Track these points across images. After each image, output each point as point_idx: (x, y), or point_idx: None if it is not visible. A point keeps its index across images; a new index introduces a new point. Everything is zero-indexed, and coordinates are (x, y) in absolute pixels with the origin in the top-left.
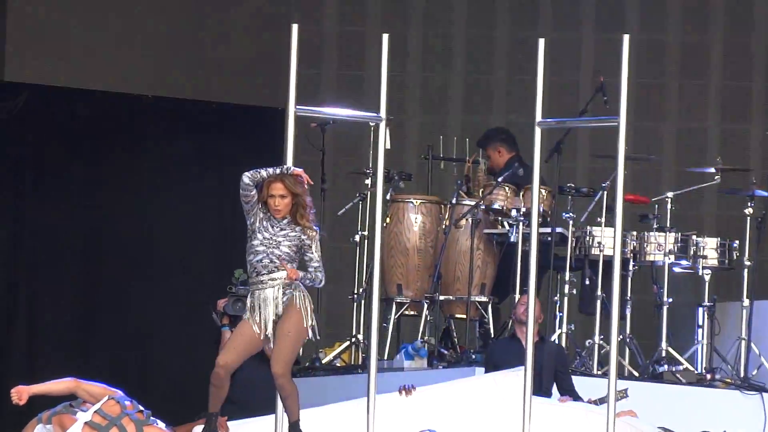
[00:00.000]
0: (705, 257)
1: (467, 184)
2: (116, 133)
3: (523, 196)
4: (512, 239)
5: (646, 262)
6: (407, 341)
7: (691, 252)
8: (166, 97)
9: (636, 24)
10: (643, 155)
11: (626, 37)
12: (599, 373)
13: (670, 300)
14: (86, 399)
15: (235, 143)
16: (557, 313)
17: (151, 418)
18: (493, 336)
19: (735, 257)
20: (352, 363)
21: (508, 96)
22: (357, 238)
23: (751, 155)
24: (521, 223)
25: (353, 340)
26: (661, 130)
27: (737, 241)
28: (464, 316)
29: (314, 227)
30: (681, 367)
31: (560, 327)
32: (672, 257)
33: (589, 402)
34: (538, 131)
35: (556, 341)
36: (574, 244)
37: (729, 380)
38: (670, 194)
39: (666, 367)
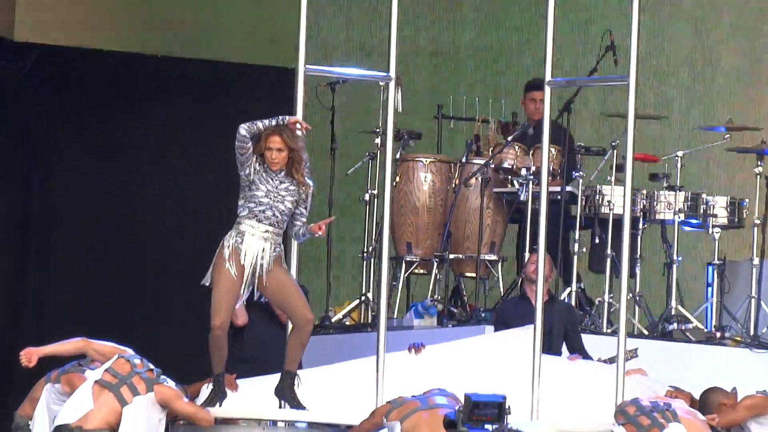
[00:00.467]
0: (715, 216)
1: (477, 143)
2: (125, 92)
3: (532, 155)
4: (522, 198)
5: (656, 220)
6: (417, 300)
7: (701, 210)
8: (175, 56)
9: None
10: (653, 114)
11: None
12: (609, 331)
13: (680, 258)
14: (96, 358)
15: (244, 103)
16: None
17: (162, 376)
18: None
19: (745, 216)
20: (362, 322)
21: (519, 56)
22: (367, 197)
23: (761, 114)
24: (531, 182)
25: (363, 298)
26: (671, 89)
27: (747, 200)
28: (474, 275)
29: (309, 183)
30: (691, 326)
31: (570, 285)
32: (682, 216)
33: (599, 361)
34: (548, 90)
35: (566, 300)
36: (584, 203)
37: (738, 338)
38: (680, 153)
39: (675, 325)
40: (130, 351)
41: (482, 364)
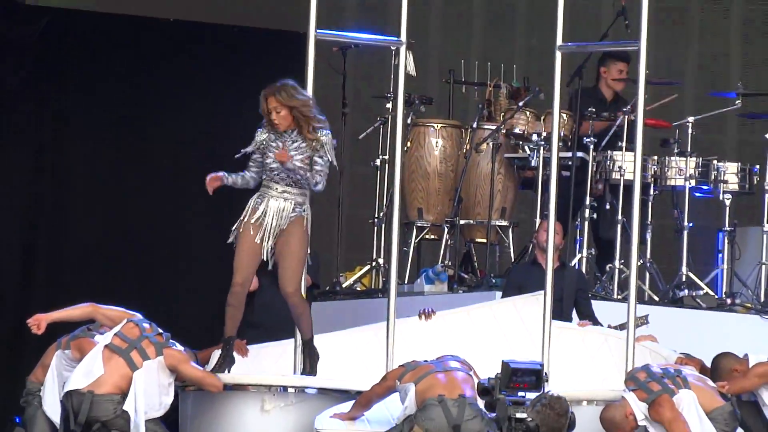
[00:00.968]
0: (726, 182)
1: (488, 108)
2: (136, 56)
3: (543, 120)
4: (533, 164)
5: (666, 186)
6: (427, 265)
7: (712, 177)
8: (186, 20)
9: None
10: (665, 79)
11: None
12: (619, 297)
13: (691, 225)
14: (105, 323)
15: (255, 67)
16: (577, 237)
17: (170, 340)
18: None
19: (756, 182)
20: (373, 287)
21: (529, 20)
22: (378, 162)
23: None
24: (542, 148)
25: (374, 264)
26: (682, 54)
27: (758, 166)
28: (485, 241)
29: (322, 135)
30: (701, 292)
31: (581, 252)
32: (693, 182)
33: (610, 328)
34: (558, 55)
35: (577, 266)
36: (594, 169)
37: (749, 305)
38: (691, 119)
39: (686, 291)
40: (138, 315)
41: (493, 330)
